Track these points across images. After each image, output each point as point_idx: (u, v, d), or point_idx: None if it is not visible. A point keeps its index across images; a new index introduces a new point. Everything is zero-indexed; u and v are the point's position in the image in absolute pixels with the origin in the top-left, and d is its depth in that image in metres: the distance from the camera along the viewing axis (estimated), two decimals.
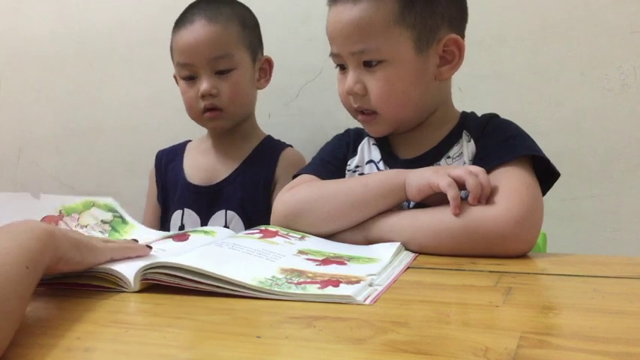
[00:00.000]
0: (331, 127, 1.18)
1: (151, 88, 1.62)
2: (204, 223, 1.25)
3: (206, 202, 1.26)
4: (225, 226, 1.23)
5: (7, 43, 1.74)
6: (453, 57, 0.93)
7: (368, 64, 0.92)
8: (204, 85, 1.21)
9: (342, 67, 0.96)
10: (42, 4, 1.70)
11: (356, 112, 0.97)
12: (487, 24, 1.18)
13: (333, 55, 0.96)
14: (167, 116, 1.60)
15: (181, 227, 1.26)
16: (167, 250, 0.77)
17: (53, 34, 1.69)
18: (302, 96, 1.47)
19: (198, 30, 1.21)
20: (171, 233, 0.95)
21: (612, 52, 1.23)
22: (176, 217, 1.28)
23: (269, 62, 1.32)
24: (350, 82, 0.93)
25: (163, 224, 1.33)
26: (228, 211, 1.24)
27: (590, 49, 1.25)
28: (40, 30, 1.71)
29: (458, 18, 0.95)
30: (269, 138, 1.34)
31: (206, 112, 1.23)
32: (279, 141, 1.34)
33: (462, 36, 0.95)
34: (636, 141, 1.23)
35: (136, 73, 1.63)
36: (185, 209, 1.27)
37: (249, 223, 1.20)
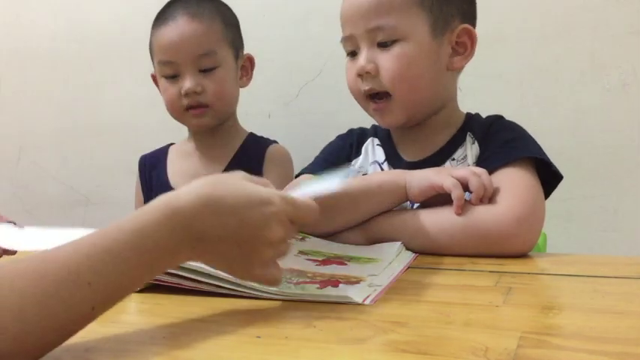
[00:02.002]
0: (331, 127, 1.18)
1: (151, 88, 1.61)
2: None
3: None
4: None
5: (7, 43, 1.74)
6: (465, 48, 0.94)
7: (383, 45, 0.91)
8: (187, 84, 1.18)
9: (353, 54, 0.95)
10: (42, 4, 1.70)
11: (367, 101, 0.96)
12: (487, 24, 1.17)
13: (345, 39, 0.95)
14: (167, 116, 1.59)
15: None
16: None
17: (53, 34, 1.69)
18: (302, 96, 1.47)
19: (182, 27, 1.18)
20: None
21: (612, 52, 1.23)
22: None
23: (250, 60, 1.29)
24: (362, 60, 0.92)
25: None
26: None
27: (590, 49, 1.25)
28: (40, 30, 1.71)
29: (470, 13, 0.97)
30: (252, 135, 1.32)
31: (190, 109, 1.20)
32: (262, 137, 1.32)
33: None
34: (636, 141, 1.23)
35: (136, 73, 1.63)
36: None
37: None
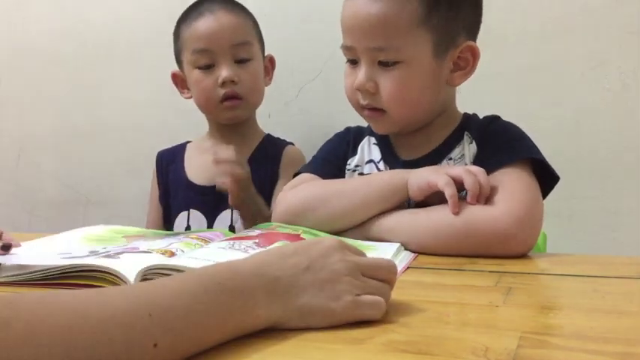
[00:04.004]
0: (331, 127, 1.18)
1: (151, 88, 1.62)
2: (210, 223, 1.25)
3: (211, 202, 1.24)
4: (231, 225, 1.23)
5: (7, 42, 1.74)
6: (466, 64, 0.92)
7: (384, 64, 0.89)
8: (225, 72, 1.20)
9: (353, 62, 0.94)
10: (42, 4, 1.70)
11: (361, 108, 0.96)
12: (487, 24, 1.18)
13: (345, 47, 0.93)
14: (167, 116, 1.60)
15: (187, 228, 1.26)
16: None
17: (53, 34, 1.69)
18: (302, 96, 1.47)
19: (220, 17, 1.21)
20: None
21: (612, 52, 1.23)
22: (181, 219, 1.27)
23: (271, 61, 1.33)
24: (362, 78, 0.90)
25: (167, 225, 1.32)
26: (235, 211, 1.22)
27: (590, 49, 1.25)
28: (40, 30, 1.71)
29: (475, 25, 0.94)
30: (269, 136, 1.34)
31: (225, 100, 1.21)
32: (279, 139, 1.34)
33: (475, 41, 0.94)
34: (636, 141, 1.23)
35: (136, 73, 1.63)
36: (191, 210, 1.26)
37: None
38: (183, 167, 1.32)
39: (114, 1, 1.64)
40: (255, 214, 1.15)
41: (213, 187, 1.24)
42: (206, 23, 1.21)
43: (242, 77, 1.21)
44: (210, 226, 1.24)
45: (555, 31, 1.27)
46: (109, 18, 1.64)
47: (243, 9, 1.26)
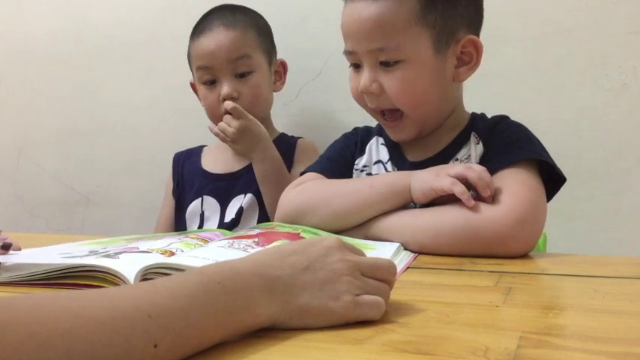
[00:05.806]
0: (331, 127, 1.18)
1: (151, 88, 1.62)
2: (223, 209, 1.28)
3: (225, 187, 1.30)
4: (240, 208, 1.26)
5: (7, 43, 1.74)
6: (470, 58, 0.92)
7: (385, 64, 0.90)
8: (225, 89, 1.24)
9: (357, 66, 0.94)
10: (42, 4, 1.70)
11: (374, 112, 0.96)
12: (487, 24, 1.18)
13: (347, 52, 0.94)
14: (167, 116, 1.60)
15: (202, 214, 1.30)
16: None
17: (53, 34, 1.69)
18: (302, 96, 1.47)
19: (218, 35, 1.25)
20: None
21: (612, 52, 1.23)
22: (195, 206, 1.31)
23: (283, 65, 1.36)
24: (366, 81, 0.91)
25: (178, 218, 1.35)
26: (247, 194, 1.27)
27: (590, 49, 1.24)
28: (40, 30, 1.70)
29: (476, 19, 0.94)
30: (283, 134, 1.38)
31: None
32: (292, 137, 1.38)
33: (478, 36, 0.94)
34: (636, 141, 1.23)
35: (136, 73, 1.63)
36: (204, 196, 1.31)
37: (263, 209, 1.25)
38: (199, 162, 1.38)
39: (113, 1, 1.64)
40: (265, 158, 1.23)
41: (227, 174, 1.32)
42: (205, 42, 1.25)
43: (242, 91, 1.25)
44: (223, 211, 1.28)
45: (555, 31, 1.27)
46: (108, 18, 1.64)
47: (244, 19, 1.29)
